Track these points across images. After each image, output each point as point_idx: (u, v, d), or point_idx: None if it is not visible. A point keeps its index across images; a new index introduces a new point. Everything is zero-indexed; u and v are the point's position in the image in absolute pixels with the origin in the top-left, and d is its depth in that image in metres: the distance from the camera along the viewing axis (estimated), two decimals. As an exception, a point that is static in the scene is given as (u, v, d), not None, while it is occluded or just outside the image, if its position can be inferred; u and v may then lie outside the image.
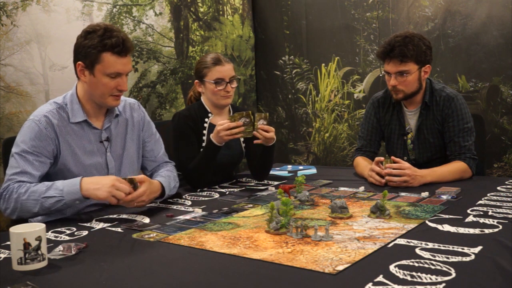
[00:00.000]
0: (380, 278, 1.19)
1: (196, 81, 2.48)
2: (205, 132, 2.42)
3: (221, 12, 3.99)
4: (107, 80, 1.88)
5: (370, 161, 2.47)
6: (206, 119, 2.44)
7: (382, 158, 2.24)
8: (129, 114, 2.11)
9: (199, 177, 2.32)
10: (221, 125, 2.20)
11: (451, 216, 1.70)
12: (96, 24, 1.90)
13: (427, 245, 1.41)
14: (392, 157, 2.22)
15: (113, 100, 1.94)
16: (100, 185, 1.77)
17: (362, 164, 2.44)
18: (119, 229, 1.68)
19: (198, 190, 2.27)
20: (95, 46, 1.84)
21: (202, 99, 2.50)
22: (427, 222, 1.64)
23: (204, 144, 2.39)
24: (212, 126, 2.42)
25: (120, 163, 2.05)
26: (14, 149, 1.87)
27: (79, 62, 1.89)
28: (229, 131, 2.18)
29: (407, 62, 2.29)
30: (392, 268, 1.25)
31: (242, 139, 2.50)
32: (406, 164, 2.19)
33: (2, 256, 1.46)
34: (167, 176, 2.08)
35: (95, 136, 1.99)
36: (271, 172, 2.66)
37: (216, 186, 2.35)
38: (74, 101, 1.95)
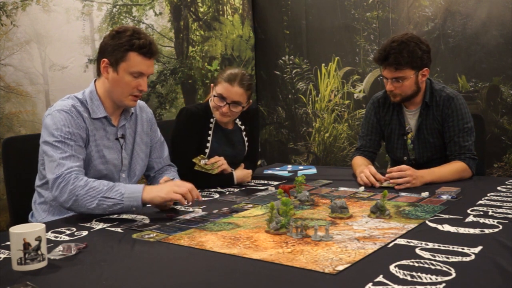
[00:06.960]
0: (380, 278, 1.19)
1: (212, 84, 2.49)
2: (210, 132, 2.44)
3: (221, 12, 3.99)
4: (129, 78, 1.92)
5: (368, 160, 2.47)
6: (212, 119, 2.45)
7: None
8: (139, 113, 2.15)
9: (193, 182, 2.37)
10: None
11: (451, 216, 1.70)
12: (125, 26, 1.96)
13: (427, 245, 1.41)
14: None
15: (131, 101, 1.97)
16: (161, 188, 1.81)
17: (358, 163, 2.44)
18: (119, 229, 1.68)
19: (198, 190, 2.27)
20: (123, 44, 1.89)
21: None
22: (427, 222, 1.64)
23: (209, 137, 2.43)
24: (217, 126, 2.44)
25: (131, 161, 2.09)
26: (48, 138, 1.85)
27: (104, 59, 1.92)
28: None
29: (402, 69, 2.28)
30: (392, 268, 1.25)
31: (246, 138, 2.53)
32: (405, 166, 2.19)
33: (2, 256, 1.45)
34: None
35: (112, 133, 2.02)
36: (271, 172, 2.67)
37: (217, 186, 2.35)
38: (94, 98, 1.98)
